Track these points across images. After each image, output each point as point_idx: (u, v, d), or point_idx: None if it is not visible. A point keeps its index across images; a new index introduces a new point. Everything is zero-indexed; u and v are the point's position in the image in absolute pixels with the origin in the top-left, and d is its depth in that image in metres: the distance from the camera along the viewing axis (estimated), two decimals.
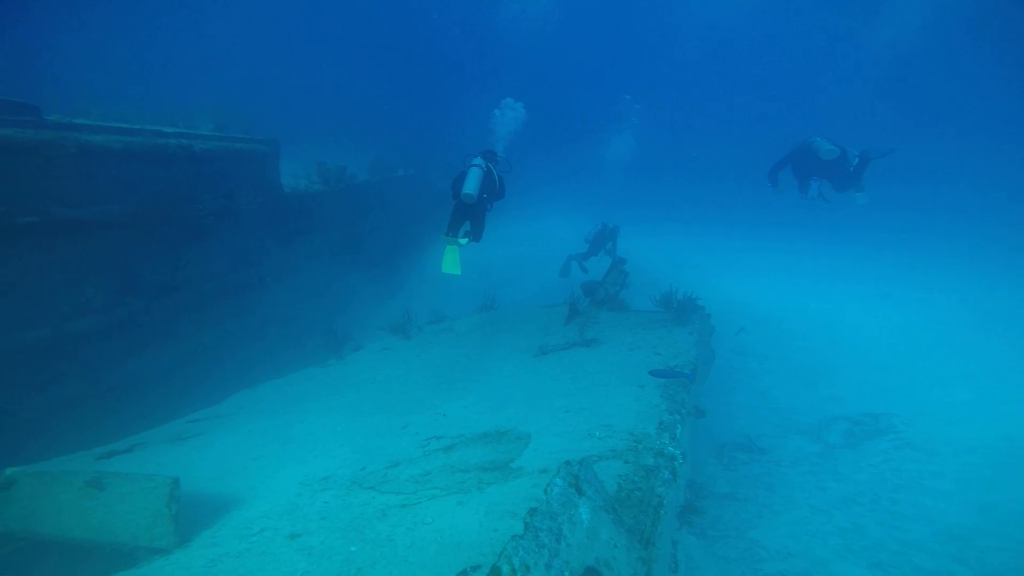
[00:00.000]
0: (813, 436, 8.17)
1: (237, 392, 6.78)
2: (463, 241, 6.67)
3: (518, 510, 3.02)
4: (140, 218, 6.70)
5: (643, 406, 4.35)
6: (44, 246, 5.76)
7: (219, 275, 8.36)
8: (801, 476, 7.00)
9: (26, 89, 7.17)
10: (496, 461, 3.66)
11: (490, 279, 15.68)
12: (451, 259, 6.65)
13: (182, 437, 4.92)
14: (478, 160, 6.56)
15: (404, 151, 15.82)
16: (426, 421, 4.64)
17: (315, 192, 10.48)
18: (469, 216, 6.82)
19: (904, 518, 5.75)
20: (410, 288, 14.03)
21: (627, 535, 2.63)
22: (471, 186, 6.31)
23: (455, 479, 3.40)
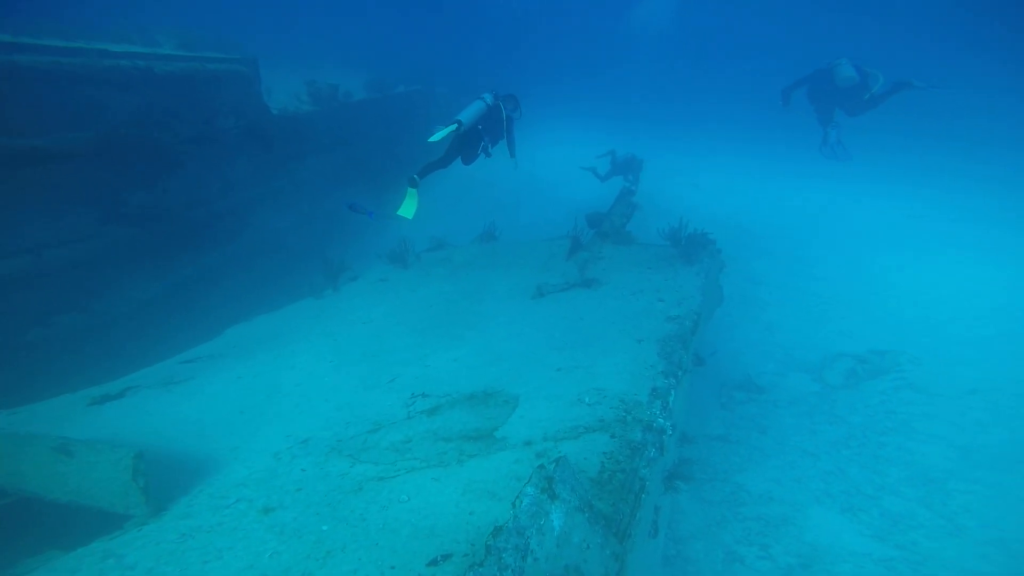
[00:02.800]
0: (815, 374, 8.08)
1: (233, 325, 6.73)
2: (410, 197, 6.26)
3: (496, 490, 2.94)
4: (107, 146, 6.23)
5: (639, 366, 4.12)
6: (4, 177, 5.39)
7: (206, 202, 7.96)
8: (796, 418, 7.02)
9: None
10: (481, 428, 3.55)
11: (495, 199, 15.01)
12: (410, 202, 6.29)
13: (174, 380, 4.93)
14: (486, 95, 6.50)
15: (405, 68, 14.30)
16: (414, 374, 4.52)
17: (306, 113, 9.67)
18: (462, 149, 6.53)
19: (886, 461, 5.81)
20: (421, 211, 13.52)
21: (602, 530, 2.53)
22: (465, 114, 6.20)
23: (436, 449, 3.32)
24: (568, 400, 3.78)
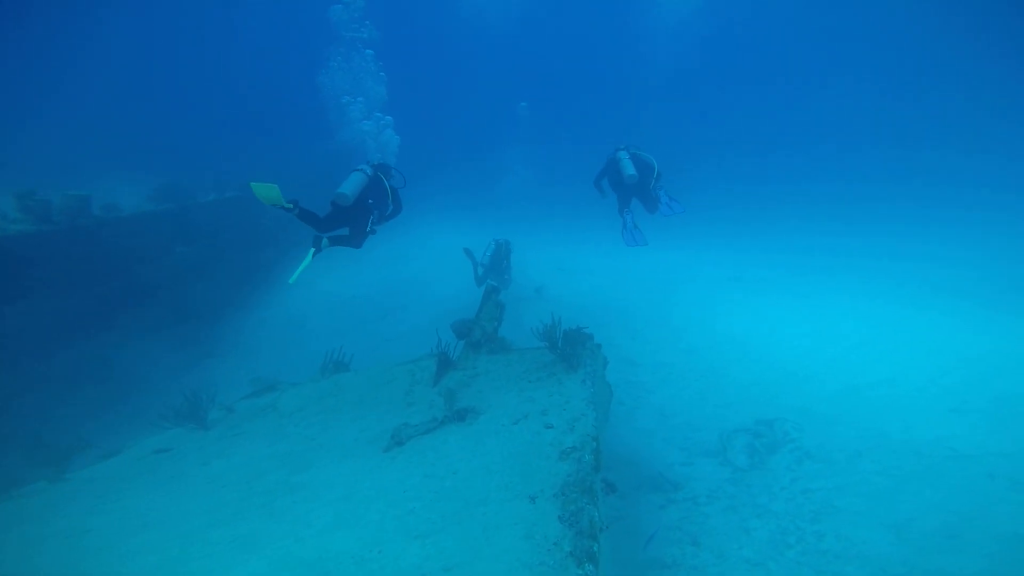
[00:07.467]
0: (719, 457, 7.52)
1: None
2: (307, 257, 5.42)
3: None
4: None
5: (539, 550, 2.71)
6: None
7: None
8: (723, 516, 6.14)
9: None
10: None
11: (355, 314, 13.14)
12: (304, 266, 5.39)
13: None
14: (363, 166, 5.75)
15: (217, 171, 12.43)
16: None
17: (15, 235, 6.95)
18: (347, 222, 5.69)
19: (837, 559, 5.11)
20: (247, 343, 10.82)
21: None
22: (348, 186, 5.43)
23: None
24: None
